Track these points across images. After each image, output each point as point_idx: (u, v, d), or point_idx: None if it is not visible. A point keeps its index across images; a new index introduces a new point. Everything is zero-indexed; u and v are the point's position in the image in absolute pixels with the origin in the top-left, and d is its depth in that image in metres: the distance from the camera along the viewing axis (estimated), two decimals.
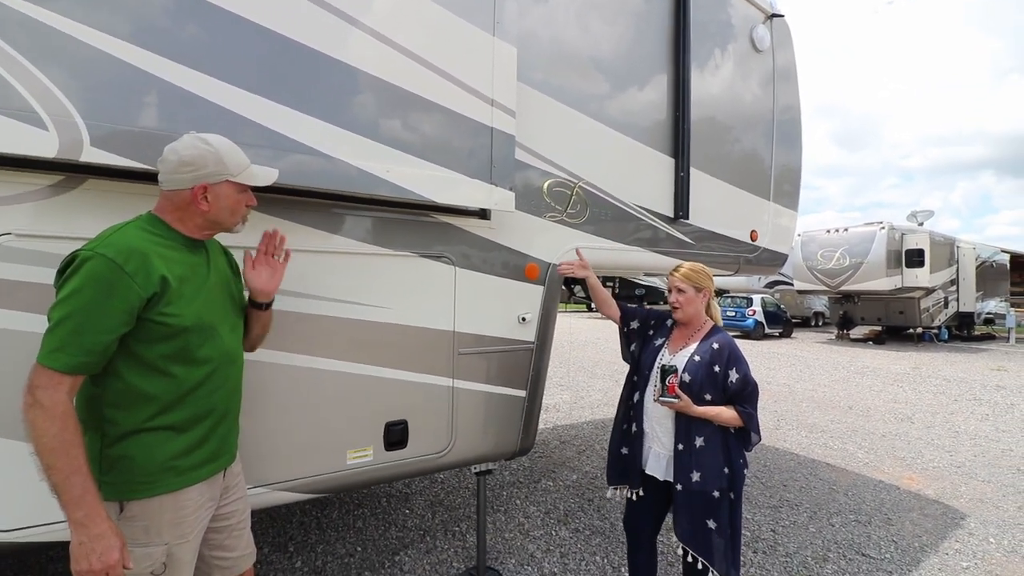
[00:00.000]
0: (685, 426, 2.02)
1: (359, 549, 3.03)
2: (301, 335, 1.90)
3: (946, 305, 15.62)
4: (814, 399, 7.59)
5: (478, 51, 2.12)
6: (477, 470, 2.59)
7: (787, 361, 11.60)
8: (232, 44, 1.63)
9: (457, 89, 2.07)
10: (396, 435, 2.13)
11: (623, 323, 2.41)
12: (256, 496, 1.80)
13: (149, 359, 1.27)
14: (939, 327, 15.77)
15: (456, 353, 2.27)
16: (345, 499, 3.66)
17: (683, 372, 2.04)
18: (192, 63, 1.55)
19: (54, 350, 1.14)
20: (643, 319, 2.37)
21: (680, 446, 2.02)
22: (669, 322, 2.28)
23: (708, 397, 2.01)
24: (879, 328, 16.29)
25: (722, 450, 2.01)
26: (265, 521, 3.25)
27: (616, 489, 2.29)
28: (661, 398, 2.02)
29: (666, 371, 2.01)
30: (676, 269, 2.20)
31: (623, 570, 2.84)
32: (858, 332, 17.10)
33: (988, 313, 17.94)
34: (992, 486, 4.33)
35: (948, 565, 3.06)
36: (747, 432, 2.03)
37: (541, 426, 5.11)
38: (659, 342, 2.23)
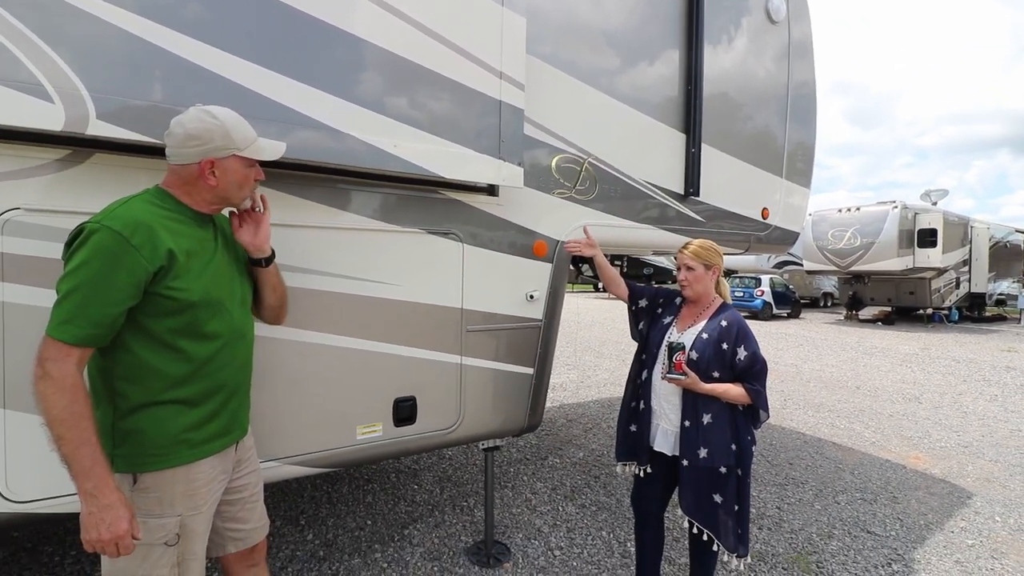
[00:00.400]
0: (692, 403, 2.02)
1: (369, 523, 3.09)
2: (310, 311, 1.90)
3: (958, 286, 15.45)
4: (821, 379, 7.58)
5: (487, 22, 2.07)
6: (485, 446, 2.61)
7: (795, 341, 11.56)
8: (239, 15, 1.60)
9: (465, 61, 2.02)
10: (405, 411, 2.14)
11: (631, 302, 2.40)
12: (268, 470, 1.83)
13: (157, 333, 1.27)
14: (950, 308, 15.62)
15: (464, 330, 2.27)
16: (355, 474, 3.72)
17: (691, 350, 2.03)
18: (199, 35, 1.53)
19: (62, 322, 1.15)
20: (651, 297, 2.35)
21: (687, 423, 2.03)
22: (678, 300, 2.26)
23: (716, 375, 2.00)
24: (889, 309, 16.16)
25: (730, 427, 2.01)
26: (277, 495, 3.32)
27: (624, 465, 2.30)
28: (668, 375, 2.02)
29: (673, 348, 2.01)
30: (685, 246, 2.18)
31: (629, 545, 2.88)
32: (867, 313, 16.98)
33: (1000, 294, 17.74)
34: (999, 466, 4.32)
35: (953, 543, 3.07)
36: (755, 410, 2.03)
37: (548, 404, 5.13)
38: (667, 320, 2.22)
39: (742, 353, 2.00)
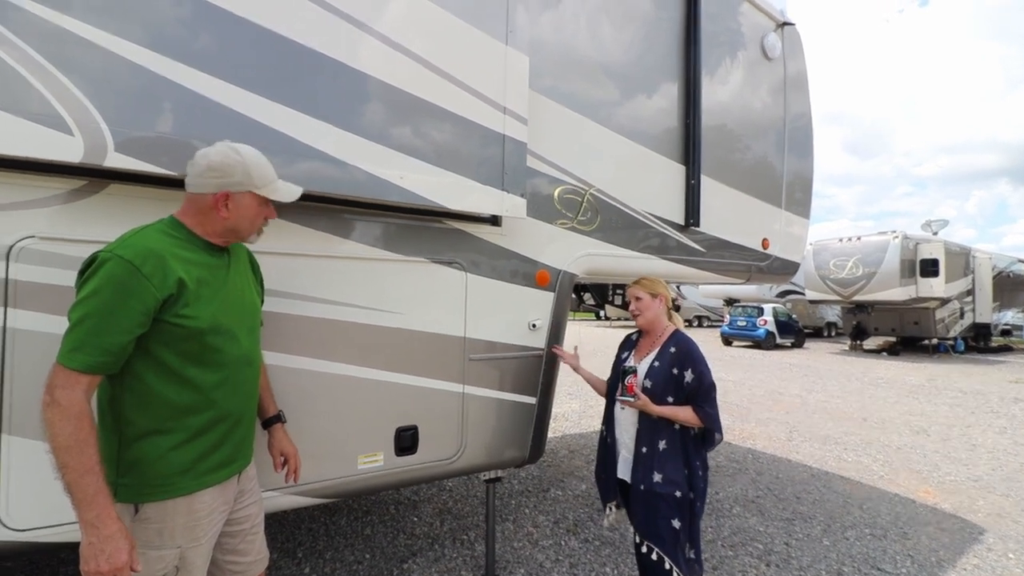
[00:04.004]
0: (648, 429, 2.09)
1: (367, 556, 3.03)
2: (313, 339, 1.91)
3: (962, 316, 15.38)
4: (827, 410, 7.48)
5: (490, 59, 2.14)
6: (486, 477, 2.58)
7: (799, 372, 11.47)
8: (251, 51, 1.66)
9: (470, 97, 2.09)
10: (406, 441, 2.13)
11: (607, 392, 2.42)
12: (267, 500, 1.80)
13: (166, 361, 1.29)
14: (955, 338, 15.52)
15: (467, 359, 2.27)
16: (354, 506, 3.66)
17: (645, 379, 2.12)
18: (212, 69, 1.58)
19: (72, 350, 1.16)
20: (615, 362, 2.38)
21: (644, 448, 2.09)
22: (635, 336, 2.38)
23: (671, 400, 2.08)
24: (893, 339, 16.06)
25: (682, 452, 2.08)
26: (274, 527, 3.26)
27: (609, 511, 2.31)
28: (620, 397, 2.10)
29: (625, 372, 2.09)
30: (633, 282, 2.31)
31: None
32: (872, 343, 16.87)
33: (1005, 324, 17.63)
34: (1011, 500, 4.23)
35: None
36: (709, 432, 2.09)
37: (550, 435, 5.09)
38: (625, 355, 2.31)
39: (689, 375, 2.08)
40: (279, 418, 1.72)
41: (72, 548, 1.39)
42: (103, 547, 1.15)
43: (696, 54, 3.00)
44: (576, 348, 2.59)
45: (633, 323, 2.34)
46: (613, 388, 2.25)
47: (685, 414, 2.05)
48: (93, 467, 1.16)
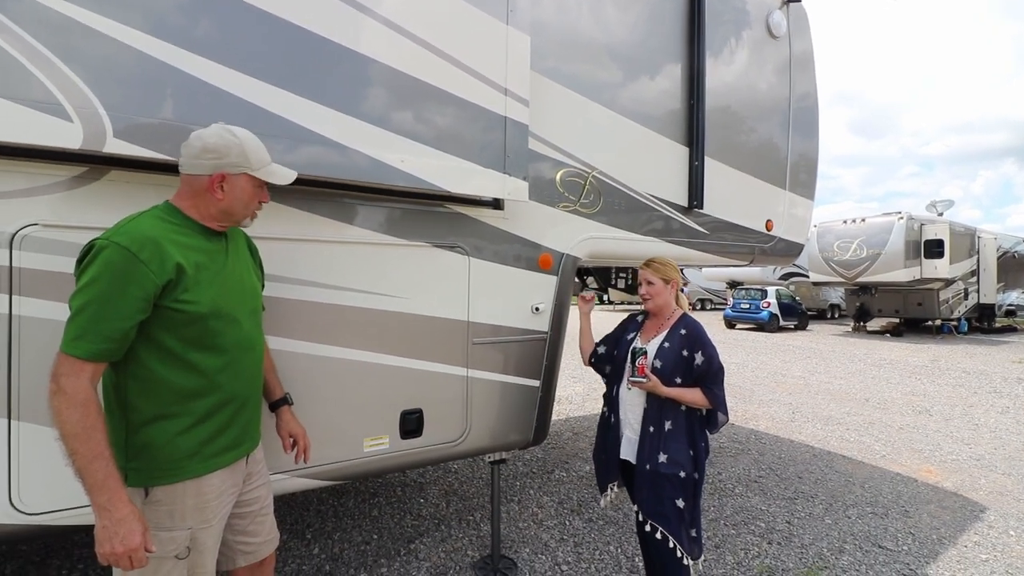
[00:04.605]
0: (656, 410, 2.11)
1: (375, 537, 3.08)
2: (317, 324, 1.92)
3: (966, 296, 15.33)
4: (830, 391, 7.51)
5: (491, 40, 2.11)
6: (491, 459, 2.61)
7: (802, 354, 11.48)
8: (249, 35, 1.64)
9: (470, 78, 2.06)
10: (411, 424, 2.15)
11: (592, 355, 2.46)
12: (275, 483, 1.83)
13: (169, 346, 1.29)
14: (959, 319, 15.49)
15: (470, 343, 2.28)
16: (361, 488, 3.71)
17: (655, 359, 2.12)
18: (211, 55, 1.57)
19: (75, 338, 1.17)
20: (611, 336, 2.41)
21: (651, 428, 2.11)
22: (640, 317, 2.38)
23: (679, 381, 2.09)
24: (897, 320, 16.04)
25: (687, 434, 2.10)
26: (283, 509, 3.31)
27: (604, 496, 2.34)
28: (631, 379, 2.10)
29: (635, 353, 2.09)
30: (646, 264, 2.29)
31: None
32: (875, 324, 16.85)
33: (1010, 305, 17.56)
34: (1012, 479, 4.26)
35: (967, 558, 3.02)
36: (714, 414, 2.12)
37: (554, 417, 5.12)
38: (631, 335, 2.31)
39: (699, 358, 2.09)
40: (286, 400, 1.74)
41: (85, 531, 1.42)
42: (116, 529, 1.17)
43: (700, 33, 2.95)
44: (594, 297, 2.62)
45: (637, 306, 2.34)
46: (620, 369, 2.26)
47: (693, 395, 2.07)
48: (102, 452, 1.17)
